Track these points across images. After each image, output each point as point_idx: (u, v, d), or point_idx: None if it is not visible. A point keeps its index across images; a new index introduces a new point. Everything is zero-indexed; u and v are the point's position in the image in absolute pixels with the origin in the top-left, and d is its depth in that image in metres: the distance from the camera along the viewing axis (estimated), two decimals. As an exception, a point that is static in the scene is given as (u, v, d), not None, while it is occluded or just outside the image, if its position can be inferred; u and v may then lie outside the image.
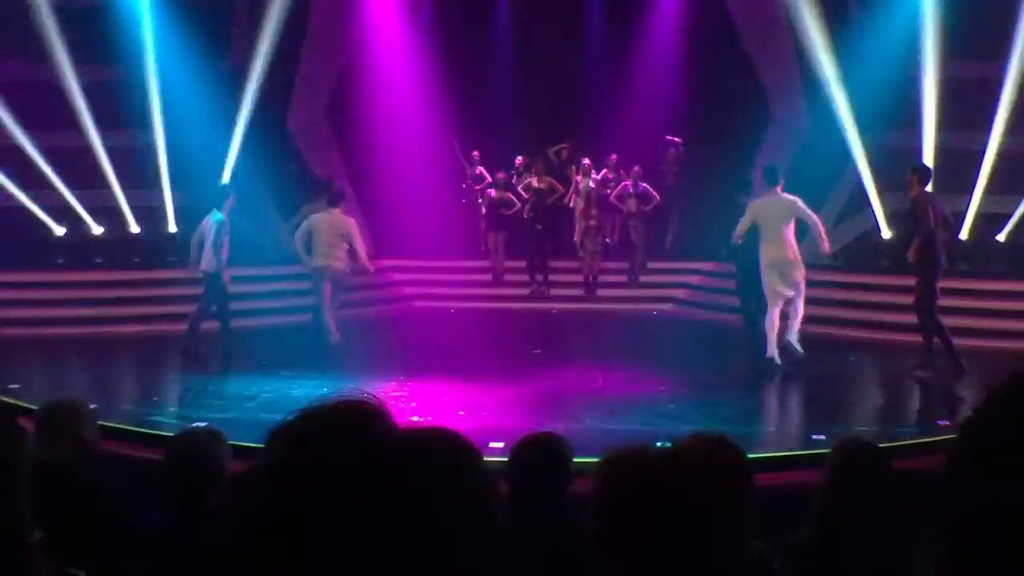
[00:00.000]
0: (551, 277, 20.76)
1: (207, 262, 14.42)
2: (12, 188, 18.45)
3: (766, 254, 13.06)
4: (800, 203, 13.22)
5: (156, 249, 18.83)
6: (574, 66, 22.56)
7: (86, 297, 17.13)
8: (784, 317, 13.24)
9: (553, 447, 4.41)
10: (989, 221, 17.74)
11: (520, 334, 17.16)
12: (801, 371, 13.05)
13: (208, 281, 14.59)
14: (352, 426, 1.39)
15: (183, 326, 14.68)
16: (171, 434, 7.33)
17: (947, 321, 13.13)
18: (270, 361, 13.79)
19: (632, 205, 20.31)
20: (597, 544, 2.42)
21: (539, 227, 20.80)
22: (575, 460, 4.44)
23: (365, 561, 1.31)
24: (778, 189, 13.31)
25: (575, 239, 20.67)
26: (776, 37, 20.20)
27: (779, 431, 10.69)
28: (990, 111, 17.68)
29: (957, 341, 12.96)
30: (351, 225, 14.64)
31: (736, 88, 21.14)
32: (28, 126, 18.66)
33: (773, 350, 13.08)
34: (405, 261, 20.47)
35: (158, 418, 10.87)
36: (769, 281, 13.08)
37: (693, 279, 19.68)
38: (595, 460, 2.60)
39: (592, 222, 20.22)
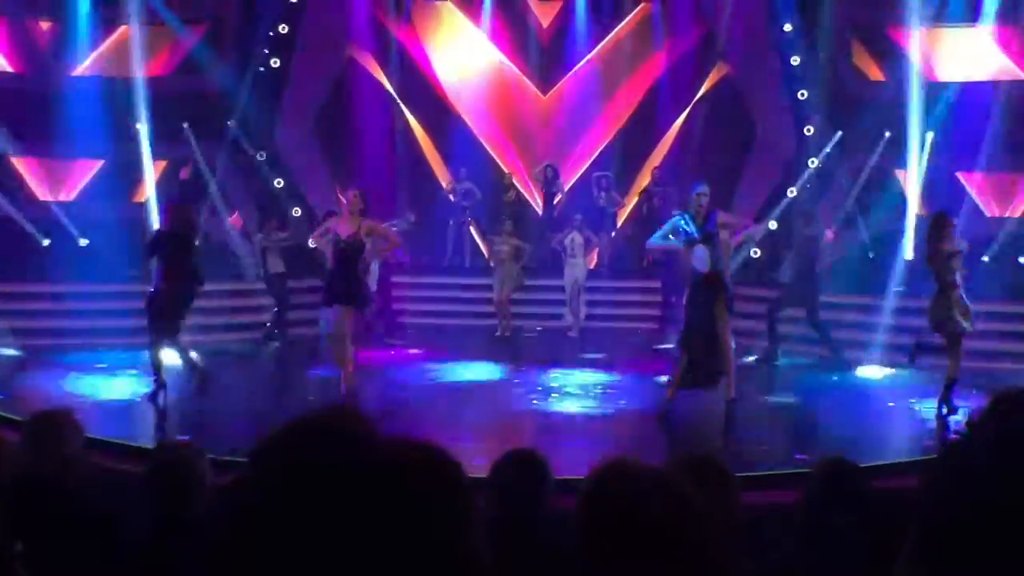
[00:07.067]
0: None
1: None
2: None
3: None
4: None
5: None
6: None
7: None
8: None
9: (533, 464, 4.40)
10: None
11: (504, 351, 17.14)
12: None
13: None
14: (334, 439, 1.39)
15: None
16: (150, 447, 7.30)
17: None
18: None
19: None
20: (582, 561, 2.42)
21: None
22: (556, 478, 4.43)
23: (344, 573, 1.31)
24: None
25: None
26: (763, 60, 20.38)
27: (763, 451, 10.68)
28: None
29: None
30: None
31: (723, 110, 21.30)
32: (14, 136, 18.78)
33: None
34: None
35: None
36: None
37: (674, 298, 19.70)
38: (577, 478, 2.60)
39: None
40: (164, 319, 12.38)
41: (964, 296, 12.03)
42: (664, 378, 12.53)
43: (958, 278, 12.01)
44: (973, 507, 1.37)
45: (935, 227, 12.11)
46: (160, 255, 12.51)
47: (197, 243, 12.98)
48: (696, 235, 11.53)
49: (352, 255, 12.07)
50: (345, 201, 12.34)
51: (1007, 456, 1.36)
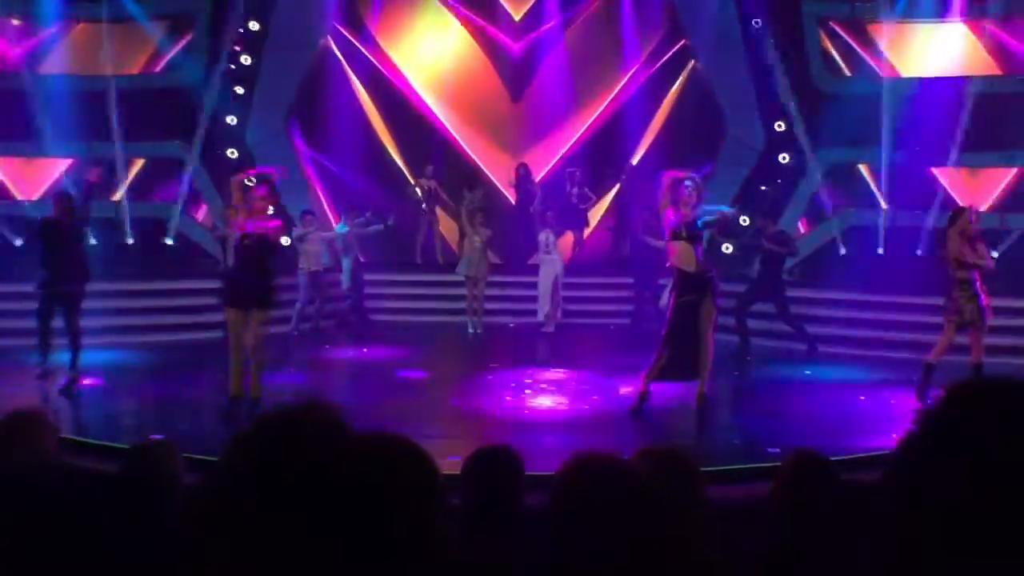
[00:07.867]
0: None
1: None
2: None
3: None
4: None
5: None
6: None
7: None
8: None
9: (505, 460, 4.41)
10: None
11: (476, 348, 17.14)
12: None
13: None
14: (308, 435, 1.41)
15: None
16: (125, 446, 7.28)
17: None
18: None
19: None
20: (554, 554, 2.44)
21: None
22: (528, 473, 4.44)
23: (317, 566, 1.33)
24: None
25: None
26: (734, 55, 20.44)
27: (735, 444, 10.73)
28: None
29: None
30: None
31: (693, 106, 21.35)
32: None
33: None
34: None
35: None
36: None
37: (647, 293, 19.73)
38: (550, 473, 2.62)
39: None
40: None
41: (974, 291, 12.27)
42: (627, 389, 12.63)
43: (969, 274, 12.26)
44: (928, 498, 1.39)
45: (949, 222, 12.52)
46: (45, 245, 12.69)
47: (83, 238, 13.09)
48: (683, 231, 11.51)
49: (254, 255, 11.60)
50: (255, 197, 11.77)
51: (958, 448, 1.39)
